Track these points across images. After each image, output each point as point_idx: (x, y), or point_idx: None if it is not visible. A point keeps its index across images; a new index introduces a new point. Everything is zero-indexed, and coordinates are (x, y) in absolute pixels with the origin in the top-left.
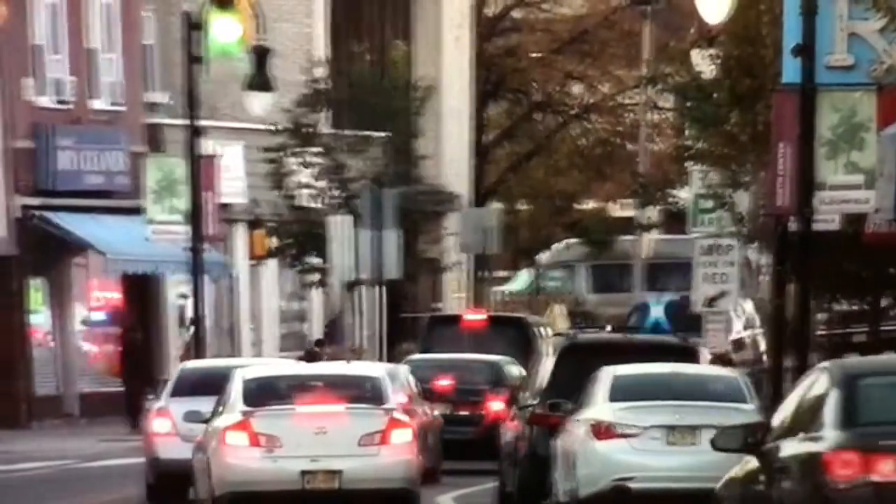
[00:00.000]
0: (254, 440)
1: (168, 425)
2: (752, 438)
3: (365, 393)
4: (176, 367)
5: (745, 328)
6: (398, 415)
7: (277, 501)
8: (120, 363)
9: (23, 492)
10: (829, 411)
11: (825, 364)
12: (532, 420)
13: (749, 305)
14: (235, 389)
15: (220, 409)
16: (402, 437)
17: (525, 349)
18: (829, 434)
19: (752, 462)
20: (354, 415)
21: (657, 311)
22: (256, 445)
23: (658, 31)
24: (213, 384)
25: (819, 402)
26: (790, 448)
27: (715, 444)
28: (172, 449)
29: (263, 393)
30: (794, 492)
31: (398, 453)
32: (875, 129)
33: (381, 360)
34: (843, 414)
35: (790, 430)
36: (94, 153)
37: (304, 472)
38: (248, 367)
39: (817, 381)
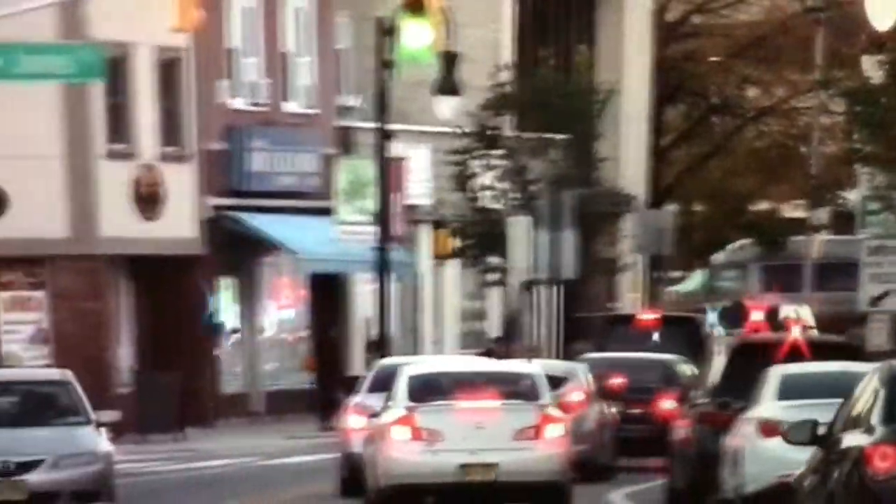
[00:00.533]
0: (416, 434)
1: (364, 421)
2: (820, 432)
3: (521, 389)
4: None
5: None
6: (551, 411)
7: (437, 493)
8: (315, 361)
9: (211, 488)
10: (876, 408)
11: (878, 364)
12: (702, 418)
13: (805, 310)
14: (401, 385)
15: (389, 403)
16: (555, 432)
17: (697, 348)
18: (873, 429)
19: (818, 454)
20: (510, 410)
21: (711, 317)
22: (419, 439)
23: (830, 38)
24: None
25: (871, 399)
26: (846, 441)
27: (787, 438)
28: None
29: (426, 389)
30: (845, 482)
31: (551, 447)
32: None
33: (556, 358)
34: (886, 411)
35: (850, 425)
36: (287, 155)
37: (462, 465)
38: (414, 364)
39: (872, 380)
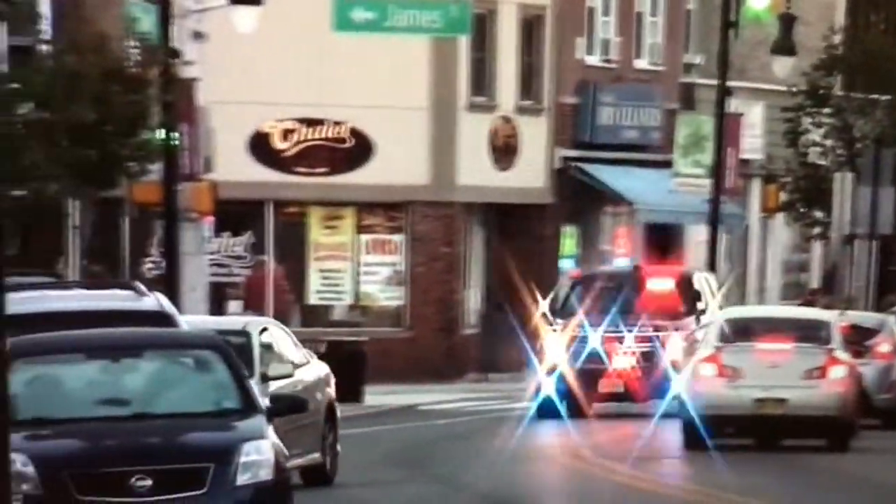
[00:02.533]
0: (721, 371)
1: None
2: None
3: (814, 334)
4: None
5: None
6: (838, 354)
7: (735, 424)
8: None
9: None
10: None
11: None
12: None
13: (712, 278)
14: (714, 327)
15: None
16: (839, 373)
17: None
18: None
19: None
20: (800, 352)
21: None
22: (722, 376)
23: None
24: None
25: None
26: None
27: None
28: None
29: (734, 331)
30: None
31: (834, 387)
32: None
33: (868, 310)
34: None
35: None
36: (632, 109)
37: (757, 400)
38: (728, 309)
39: None
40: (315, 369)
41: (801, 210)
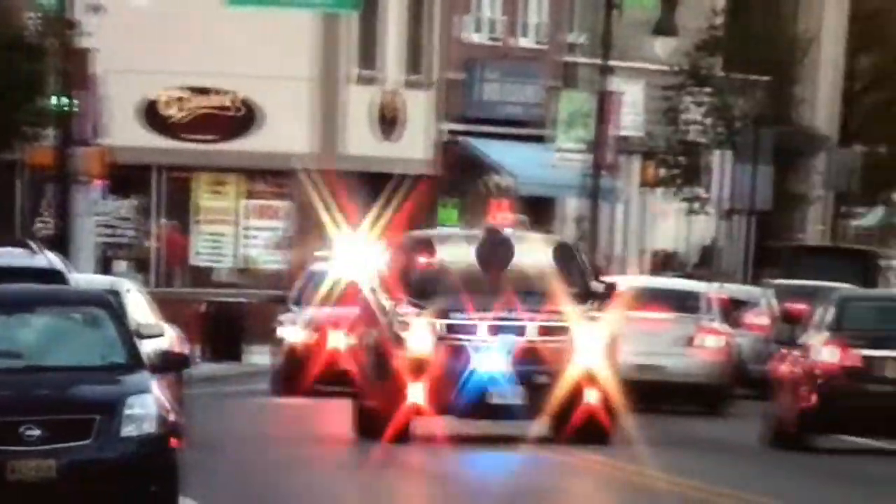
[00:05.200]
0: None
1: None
2: None
3: (690, 305)
4: None
5: None
6: (711, 324)
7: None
8: None
9: None
10: None
11: None
12: None
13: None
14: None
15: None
16: (712, 342)
17: (869, 279)
18: None
19: None
20: (677, 322)
21: None
22: None
23: None
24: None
25: None
26: None
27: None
28: None
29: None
30: None
31: (707, 355)
32: None
33: (745, 283)
34: None
35: None
36: (515, 86)
37: (639, 366)
38: (625, 279)
39: None
40: (168, 331)
41: (679, 186)
